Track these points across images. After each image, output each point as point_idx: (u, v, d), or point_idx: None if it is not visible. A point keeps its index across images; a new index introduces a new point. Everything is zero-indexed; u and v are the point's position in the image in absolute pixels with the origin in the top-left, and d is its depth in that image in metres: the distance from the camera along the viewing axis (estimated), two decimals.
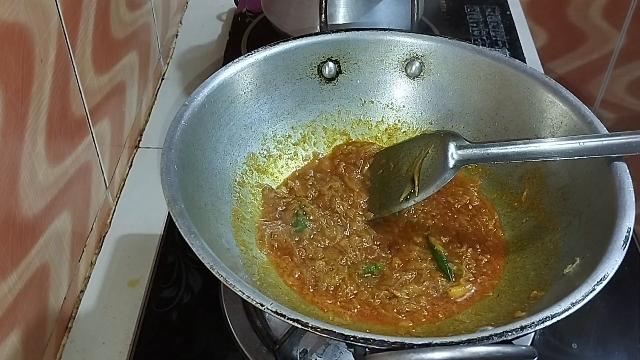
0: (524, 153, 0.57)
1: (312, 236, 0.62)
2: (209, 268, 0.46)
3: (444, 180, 0.59)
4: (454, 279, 0.59)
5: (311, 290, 0.58)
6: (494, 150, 0.57)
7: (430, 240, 0.62)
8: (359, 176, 0.68)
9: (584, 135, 0.56)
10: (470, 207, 0.66)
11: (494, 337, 0.42)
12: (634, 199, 0.52)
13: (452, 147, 0.59)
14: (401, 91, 0.72)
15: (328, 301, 0.57)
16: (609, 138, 0.55)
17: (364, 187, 0.67)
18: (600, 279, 0.46)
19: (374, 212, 0.64)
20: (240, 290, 0.44)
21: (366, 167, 0.69)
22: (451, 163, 0.58)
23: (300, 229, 0.62)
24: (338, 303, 0.57)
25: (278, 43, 0.67)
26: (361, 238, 0.62)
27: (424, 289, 0.58)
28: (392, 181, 0.64)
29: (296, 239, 0.61)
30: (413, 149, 0.64)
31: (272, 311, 0.43)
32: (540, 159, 0.59)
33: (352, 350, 0.44)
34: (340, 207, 0.65)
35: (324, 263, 0.59)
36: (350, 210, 0.65)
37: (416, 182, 0.60)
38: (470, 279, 0.59)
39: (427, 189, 0.60)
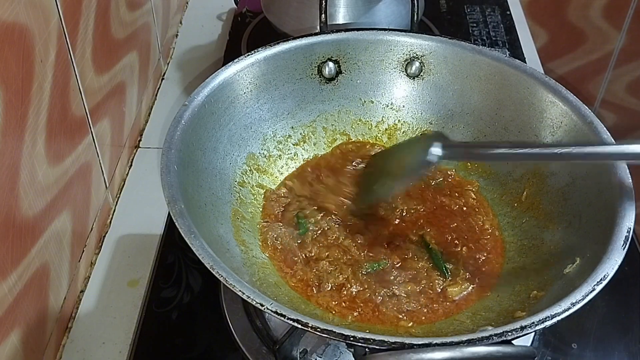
0: (504, 155, 0.57)
1: (314, 237, 0.62)
2: (209, 268, 0.46)
3: (418, 172, 0.60)
4: (450, 278, 0.59)
5: (315, 292, 0.58)
6: (475, 150, 0.59)
7: (426, 239, 0.62)
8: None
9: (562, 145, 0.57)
10: (465, 208, 0.66)
11: (494, 337, 0.42)
12: (634, 199, 0.52)
13: (434, 144, 0.58)
14: (401, 91, 0.72)
15: (333, 302, 0.57)
16: (593, 147, 0.54)
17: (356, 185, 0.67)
18: (600, 279, 0.46)
19: (354, 203, 0.65)
20: (240, 290, 0.44)
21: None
22: (428, 158, 0.57)
23: (303, 232, 0.62)
24: (343, 304, 0.57)
25: (278, 43, 0.67)
26: (363, 236, 0.62)
27: (422, 287, 0.58)
28: (375, 176, 0.64)
29: (299, 241, 0.61)
30: (400, 149, 0.65)
31: (272, 311, 0.43)
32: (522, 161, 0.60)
33: (352, 350, 0.44)
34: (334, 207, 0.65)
35: (327, 263, 0.59)
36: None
37: (393, 175, 0.62)
38: (468, 277, 0.59)
39: (402, 180, 0.61)
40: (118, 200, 0.79)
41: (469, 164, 0.69)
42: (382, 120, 0.72)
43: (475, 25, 1.07)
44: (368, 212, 0.65)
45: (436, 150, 0.57)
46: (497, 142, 0.61)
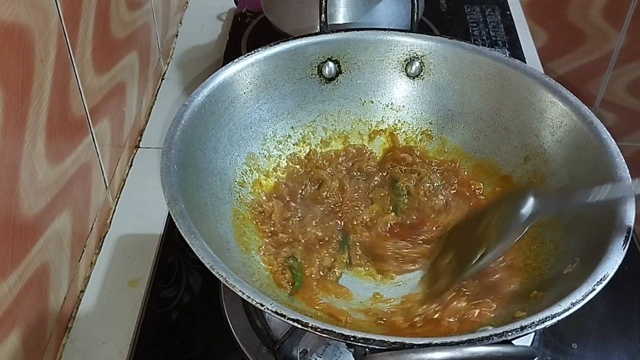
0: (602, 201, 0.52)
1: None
2: (209, 268, 0.46)
3: (514, 235, 0.55)
4: None
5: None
6: (569, 200, 0.54)
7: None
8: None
9: None
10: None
11: (494, 337, 0.42)
12: (634, 199, 0.52)
13: (526, 201, 0.55)
14: (401, 91, 0.72)
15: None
16: None
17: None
18: (600, 279, 0.46)
19: (453, 277, 0.58)
20: (240, 290, 0.44)
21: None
22: (522, 218, 0.55)
23: (298, 286, 0.58)
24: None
25: (278, 43, 0.67)
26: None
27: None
28: (470, 244, 0.59)
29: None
30: (489, 212, 0.60)
31: (272, 311, 0.43)
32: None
33: (352, 350, 0.44)
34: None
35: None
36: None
37: (492, 239, 0.57)
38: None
39: (499, 246, 0.56)
40: (118, 200, 0.79)
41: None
42: (382, 120, 0.72)
43: (475, 25, 1.07)
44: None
45: (532, 206, 0.54)
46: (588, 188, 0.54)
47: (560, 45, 1.39)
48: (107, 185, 0.76)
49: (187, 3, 1.15)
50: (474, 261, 0.56)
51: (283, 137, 0.69)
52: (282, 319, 0.43)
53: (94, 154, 0.71)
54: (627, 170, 0.54)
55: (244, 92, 0.65)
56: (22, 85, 0.53)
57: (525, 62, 0.69)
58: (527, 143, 0.65)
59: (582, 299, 0.45)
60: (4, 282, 0.52)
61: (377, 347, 0.41)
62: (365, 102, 0.72)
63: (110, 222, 0.77)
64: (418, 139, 0.72)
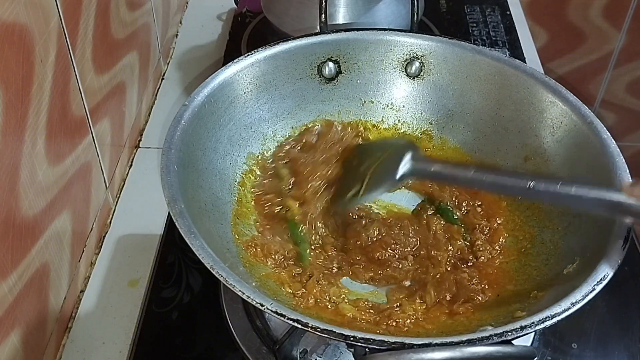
0: (473, 181, 0.55)
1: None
2: (209, 268, 0.46)
3: (387, 188, 0.60)
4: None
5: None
6: (445, 170, 0.57)
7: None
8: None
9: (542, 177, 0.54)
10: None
11: (494, 337, 0.42)
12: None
13: (407, 158, 0.58)
14: (401, 91, 0.72)
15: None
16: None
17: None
18: (600, 279, 0.46)
19: (332, 205, 0.62)
20: (240, 290, 0.44)
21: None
22: (398, 174, 0.58)
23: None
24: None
25: (278, 43, 0.67)
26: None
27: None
28: (349, 178, 0.62)
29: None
30: (376, 151, 0.63)
31: (272, 311, 0.43)
32: (490, 190, 0.60)
33: (352, 350, 0.44)
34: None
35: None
36: None
37: (364, 184, 0.60)
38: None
39: (369, 194, 0.59)
40: (118, 200, 0.79)
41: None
42: (382, 120, 0.72)
43: (475, 25, 1.07)
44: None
45: (406, 169, 0.57)
46: (471, 165, 0.60)
47: (560, 45, 1.39)
48: (107, 185, 0.76)
49: (187, 3, 1.15)
50: (342, 199, 0.60)
51: (283, 137, 0.69)
52: (282, 319, 0.43)
53: (94, 154, 0.71)
54: (627, 170, 0.54)
55: (244, 92, 0.65)
56: (22, 85, 0.53)
57: (525, 62, 0.69)
58: (527, 143, 0.65)
59: (582, 299, 0.45)
60: (4, 282, 0.52)
61: (377, 347, 0.41)
62: (365, 102, 0.72)
63: (110, 222, 0.77)
64: (418, 139, 0.72)
